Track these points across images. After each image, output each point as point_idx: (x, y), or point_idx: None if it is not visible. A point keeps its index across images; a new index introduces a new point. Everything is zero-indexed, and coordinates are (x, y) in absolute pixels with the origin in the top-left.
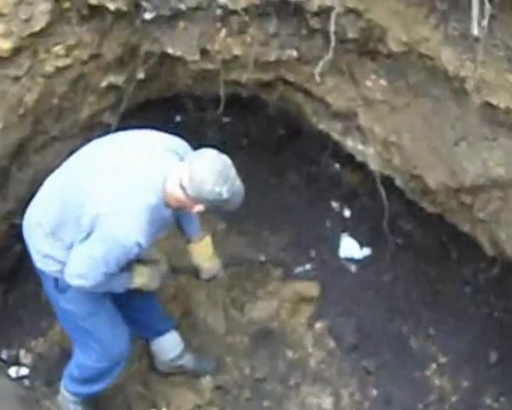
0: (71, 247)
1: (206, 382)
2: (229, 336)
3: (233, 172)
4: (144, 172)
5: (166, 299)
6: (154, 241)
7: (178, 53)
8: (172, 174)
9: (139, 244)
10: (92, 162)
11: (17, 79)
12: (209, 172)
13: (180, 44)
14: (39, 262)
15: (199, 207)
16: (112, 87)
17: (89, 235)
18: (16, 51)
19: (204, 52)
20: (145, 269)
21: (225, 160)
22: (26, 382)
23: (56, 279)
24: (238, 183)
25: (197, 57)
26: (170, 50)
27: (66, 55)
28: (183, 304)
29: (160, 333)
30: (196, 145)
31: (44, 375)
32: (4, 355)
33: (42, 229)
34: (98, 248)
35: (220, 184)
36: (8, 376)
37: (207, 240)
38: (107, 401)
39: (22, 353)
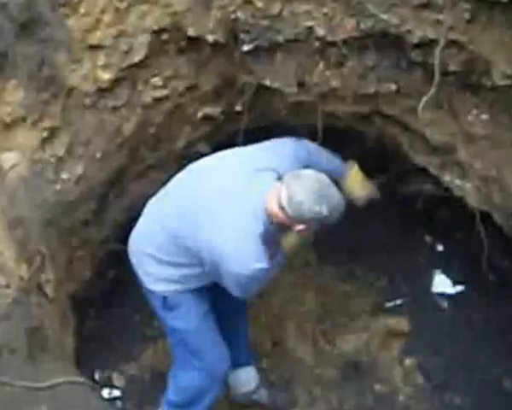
0: (180, 265)
1: None
2: (318, 368)
3: (331, 189)
4: (246, 198)
5: (257, 328)
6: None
7: (276, 85)
8: (271, 195)
9: (262, 269)
10: (193, 190)
11: (116, 109)
12: (306, 192)
13: (277, 76)
14: (149, 284)
15: (301, 227)
16: (207, 118)
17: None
18: (115, 82)
19: (301, 84)
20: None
21: (323, 178)
22: (119, 403)
23: (165, 298)
24: (337, 198)
25: (294, 89)
26: (267, 82)
27: (164, 86)
28: (274, 334)
29: (240, 365)
30: None
31: (136, 397)
32: (97, 377)
33: (150, 257)
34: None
35: (320, 204)
36: (101, 397)
37: (355, 170)
38: None
39: (115, 375)
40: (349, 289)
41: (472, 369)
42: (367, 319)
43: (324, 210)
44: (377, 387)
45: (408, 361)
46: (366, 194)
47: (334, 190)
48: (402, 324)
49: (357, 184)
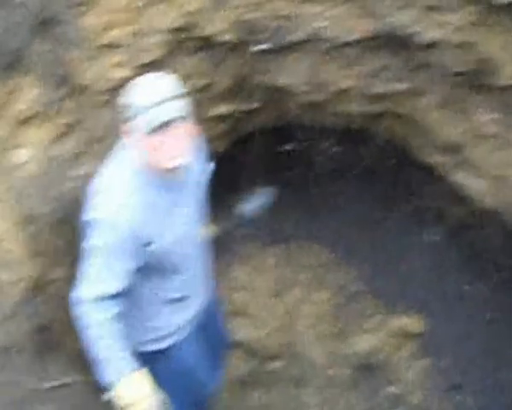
0: None
1: None
2: (331, 369)
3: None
4: None
5: (270, 328)
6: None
7: (288, 84)
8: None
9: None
10: None
11: None
12: (133, 86)
13: (290, 76)
14: None
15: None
16: (222, 116)
17: None
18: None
19: (313, 84)
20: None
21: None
22: None
23: None
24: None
25: (307, 89)
26: (280, 82)
27: None
28: (287, 333)
29: None
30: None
31: None
32: None
33: None
34: None
35: (148, 86)
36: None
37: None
38: None
39: None
40: (363, 288)
41: (486, 370)
42: (380, 320)
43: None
44: (391, 388)
45: (422, 362)
46: None
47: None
48: (416, 324)
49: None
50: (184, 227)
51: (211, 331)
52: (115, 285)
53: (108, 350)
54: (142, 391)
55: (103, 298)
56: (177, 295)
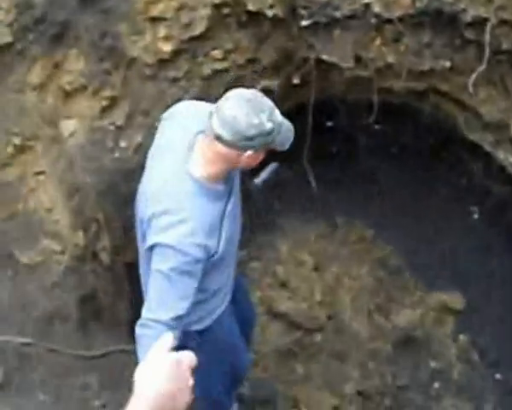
0: None
1: (349, 387)
2: (373, 342)
3: (268, 100)
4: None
5: (312, 302)
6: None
7: (333, 59)
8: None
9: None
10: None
11: (176, 80)
12: (238, 105)
13: (335, 51)
14: None
15: (248, 154)
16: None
17: None
18: (176, 54)
19: (358, 59)
20: None
21: (254, 91)
22: None
23: None
24: (278, 112)
25: (351, 64)
26: (325, 57)
27: (224, 59)
28: (329, 307)
29: None
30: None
31: None
32: None
33: None
34: None
35: (256, 113)
36: None
37: None
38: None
39: None
40: (404, 263)
41: None
42: (422, 295)
43: (265, 120)
44: (432, 363)
45: (462, 338)
46: None
47: (270, 102)
48: (456, 301)
49: None
50: (233, 226)
51: (239, 305)
52: (186, 306)
53: None
54: None
55: (175, 319)
56: (224, 284)
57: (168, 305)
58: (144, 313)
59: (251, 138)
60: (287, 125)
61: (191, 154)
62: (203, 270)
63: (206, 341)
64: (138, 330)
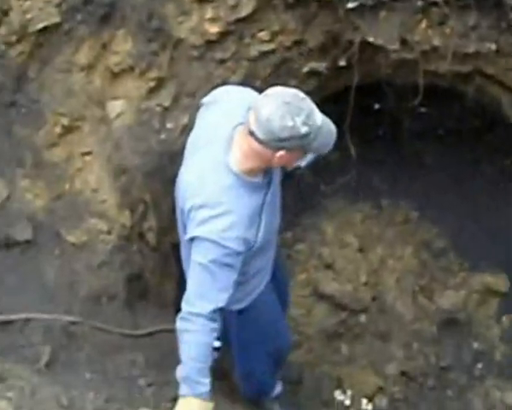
0: None
1: (392, 367)
2: (417, 323)
3: (308, 103)
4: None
5: (357, 283)
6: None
7: (379, 42)
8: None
9: None
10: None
11: (223, 61)
12: (275, 105)
13: (381, 33)
14: None
15: (280, 154)
16: (313, 73)
17: None
18: (223, 35)
19: (404, 42)
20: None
21: (295, 92)
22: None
23: None
24: (319, 116)
25: (397, 47)
26: (371, 39)
27: (271, 41)
28: (373, 288)
29: None
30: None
31: None
32: None
33: None
34: None
35: (292, 116)
36: None
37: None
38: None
39: None
40: (448, 244)
41: None
42: (465, 276)
43: (301, 126)
44: (475, 344)
45: (505, 319)
46: None
47: (313, 107)
48: (500, 283)
49: None
50: (272, 216)
51: (276, 281)
52: (226, 297)
53: (196, 372)
54: None
55: (215, 311)
56: (263, 267)
57: (208, 297)
58: (184, 306)
59: (283, 140)
60: (328, 129)
61: (231, 145)
62: (242, 261)
63: (246, 320)
64: (179, 324)
